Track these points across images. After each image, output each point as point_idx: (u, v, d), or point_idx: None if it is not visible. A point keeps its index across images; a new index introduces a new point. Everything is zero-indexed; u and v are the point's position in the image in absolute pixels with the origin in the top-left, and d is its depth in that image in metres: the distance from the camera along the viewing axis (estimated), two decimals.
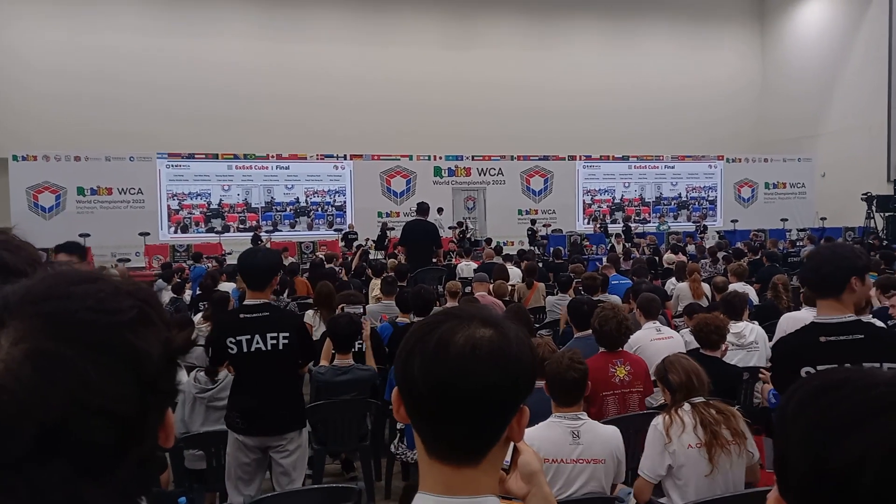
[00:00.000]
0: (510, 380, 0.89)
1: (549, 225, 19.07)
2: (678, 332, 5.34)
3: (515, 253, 12.60)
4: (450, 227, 17.41)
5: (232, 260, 13.80)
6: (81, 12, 18.85)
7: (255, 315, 3.47)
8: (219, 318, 3.95)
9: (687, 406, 2.82)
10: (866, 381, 0.76)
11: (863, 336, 2.34)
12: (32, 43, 18.35)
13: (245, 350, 3.46)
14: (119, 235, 15.83)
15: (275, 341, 3.45)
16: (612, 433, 2.89)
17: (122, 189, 17.25)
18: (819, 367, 2.21)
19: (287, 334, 3.48)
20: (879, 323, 3.77)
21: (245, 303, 3.57)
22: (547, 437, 2.77)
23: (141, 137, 18.27)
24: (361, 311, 6.04)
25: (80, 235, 14.63)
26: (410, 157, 19.52)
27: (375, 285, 7.83)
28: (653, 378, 3.48)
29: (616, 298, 6.90)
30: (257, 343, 3.45)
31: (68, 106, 18.32)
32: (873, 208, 17.78)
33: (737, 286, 6.99)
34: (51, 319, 0.58)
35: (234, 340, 3.47)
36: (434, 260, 10.02)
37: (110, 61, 18.85)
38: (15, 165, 16.49)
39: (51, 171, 16.74)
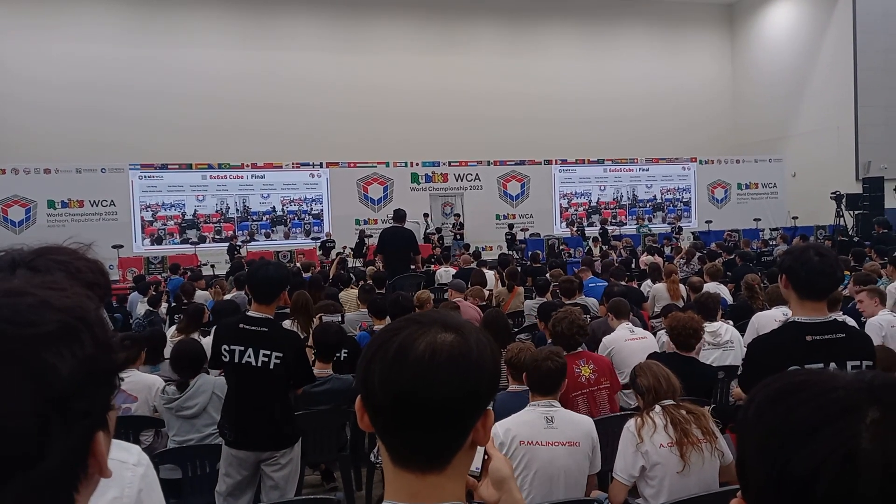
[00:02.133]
0: (471, 385, 0.87)
1: (527, 229, 19.17)
2: (655, 332, 5.40)
3: (497, 258, 12.59)
4: (437, 228, 17.55)
5: (207, 271, 13.67)
6: (52, 21, 18.55)
7: (253, 328, 3.41)
8: (220, 323, 3.89)
9: (658, 408, 2.89)
10: (825, 385, 0.73)
11: (844, 335, 2.38)
12: (1, 50, 18.01)
13: (236, 361, 3.42)
14: (92, 248, 15.55)
15: (266, 359, 3.39)
16: (586, 419, 3.01)
17: (94, 201, 16.97)
18: (807, 366, 2.24)
19: (281, 354, 3.40)
20: (851, 321, 3.85)
21: (248, 313, 3.51)
22: (522, 420, 2.87)
23: (113, 147, 18.02)
24: (340, 319, 6.00)
25: None
26: (387, 164, 19.50)
27: (349, 294, 7.80)
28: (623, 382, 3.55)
29: (593, 301, 6.95)
30: (248, 357, 3.40)
31: (38, 116, 18.01)
32: (843, 207, 18.14)
33: (711, 286, 7.09)
34: None
35: (227, 349, 3.43)
36: (412, 267, 10.00)
37: (82, 70, 18.59)
38: None
39: (20, 184, 16.42)
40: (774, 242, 15.55)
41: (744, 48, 24.84)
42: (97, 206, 16.99)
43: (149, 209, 17.85)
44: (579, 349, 3.96)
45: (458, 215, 18.63)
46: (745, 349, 2.67)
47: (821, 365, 2.25)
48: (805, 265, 2.35)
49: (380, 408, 0.88)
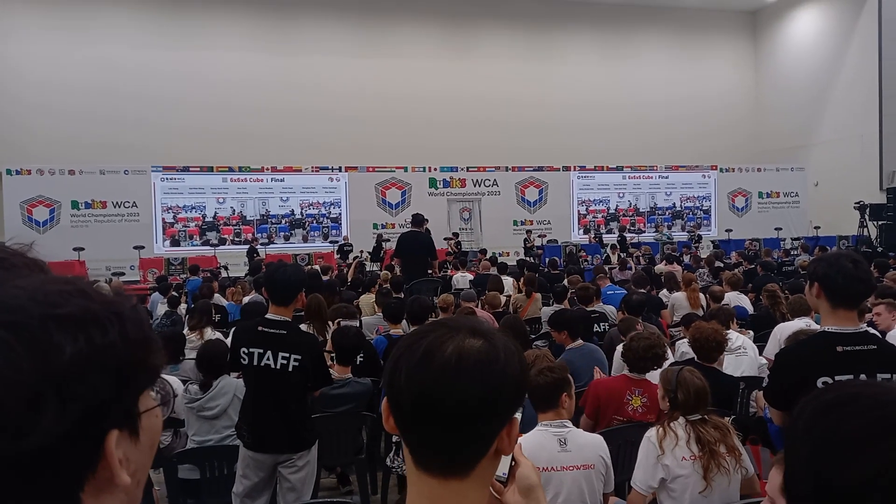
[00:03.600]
0: (496, 391, 0.87)
1: (545, 235, 19.12)
2: (674, 341, 5.36)
3: (515, 263, 12.56)
4: (445, 239, 17.44)
5: (224, 273, 13.79)
6: (76, 25, 18.89)
7: (272, 331, 3.43)
8: (239, 325, 3.91)
9: (682, 419, 2.83)
10: (878, 398, 0.73)
11: (875, 347, 2.32)
12: (27, 55, 18.37)
13: (255, 363, 3.43)
14: (113, 249, 15.77)
15: (285, 361, 3.41)
16: (597, 439, 2.92)
17: (117, 202, 17.20)
18: (837, 378, 2.20)
19: (299, 357, 3.42)
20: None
21: (266, 316, 3.52)
22: (536, 443, 2.78)
23: (136, 150, 18.28)
24: (357, 324, 6.01)
25: (75, 249, 14.65)
26: (405, 169, 19.55)
27: (367, 298, 7.82)
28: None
29: (611, 308, 6.91)
30: (268, 359, 3.42)
31: (63, 119, 18.31)
32: (866, 217, 17.87)
33: (731, 295, 7.02)
34: (1, 308, 0.59)
35: (246, 351, 3.45)
36: (429, 271, 10.01)
37: (105, 74, 18.88)
38: (9, 179, 16.45)
39: (45, 184, 16.69)
40: (796, 252, 15.37)
41: (767, 55, 24.62)
42: (120, 207, 17.22)
43: (170, 211, 18.05)
44: (645, 376, 3.76)
45: (457, 234, 18.20)
46: (773, 359, 2.62)
47: (850, 377, 2.20)
48: (841, 272, 2.29)
49: (404, 408, 0.88)
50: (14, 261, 1.14)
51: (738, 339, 4.81)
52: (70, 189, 16.79)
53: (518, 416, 0.92)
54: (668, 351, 4.67)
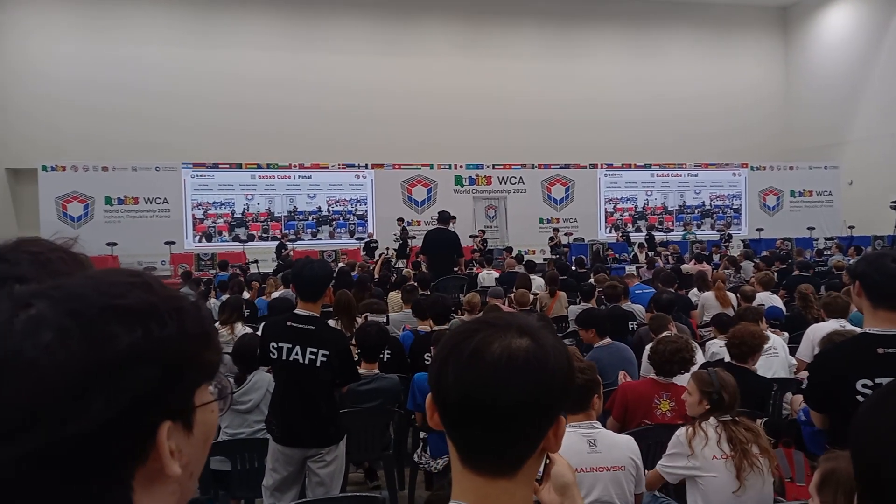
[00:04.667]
0: (546, 391, 0.87)
1: (571, 234, 18.99)
2: (704, 342, 5.29)
3: (542, 261, 12.49)
4: (470, 236, 17.44)
5: (253, 269, 13.95)
6: (108, 26, 19.22)
7: (301, 326, 3.47)
8: (268, 320, 3.97)
9: (712, 420, 2.81)
10: None
11: None
12: (61, 56, 18.75)
13: (284, 358, 3.47)
14: (145, 244, 16.08)
15: (313, 357, 3.44)
16: (628, 440, 2.90)
17: (149, 198, 17.52)
18: (877, 380, 2.17)
19: (327, 352, 3.45)
20: None
21: (295, 311, 3.57)
22: (566, 445, 2.75)
23: (166, 148, 18.57)
24: (385, 320, 6.05)
25: (108, 244, 14.96)
26: (431, 167, 19.59)
27: (394, 296, 7.85)
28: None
29: (640, 308, 6.84)
30: (296, 354, 3.45)
31: (96, 118, 18.66)
32: None
33: (763, 296, 6.90)
34: (60, 291, 0.61)
35: (276, 346, 3.49)
36: (455, 269, 10.02)
37: (136, 74, 19.18)
38: (44, 175, 16.85)
39: (79, 181, 17.07)
40: (829, 252, 15.05)
41: (798, 52, 24.11)
42: (151, 203, 17.55)
43: (200, 207, 18.34)
44: (672, 380, 3.70)
45: (483, 231, 18.22)
46: (812, 360, 2.58)
47: (890, 379, 2.16)
48: (881, 270, 2.25)
49: (452, 408, 0.88)
50: (50, 255, 1.16)
51: (771, 339, 4.73)
52: (103, 185, 17.15)
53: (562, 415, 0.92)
54: (696, 355, 4.62)
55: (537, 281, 9.10)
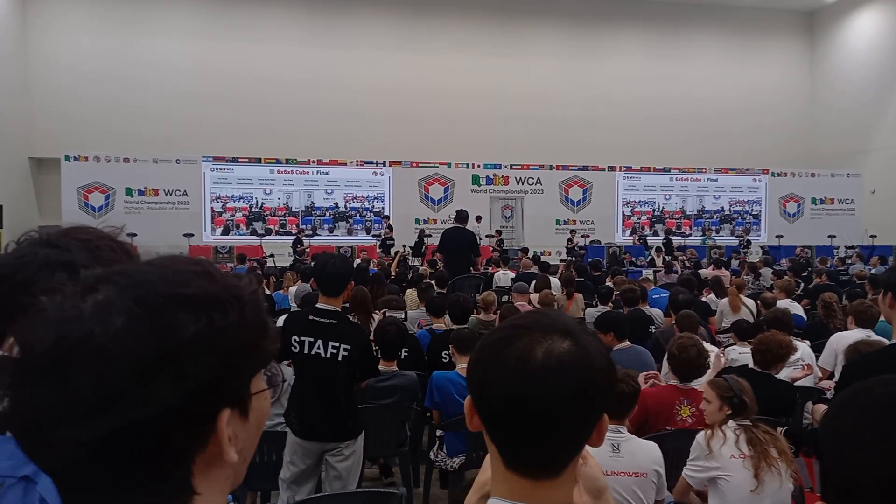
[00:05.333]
0: (591, 393, 0.87)
1: (588, 236, 18.90)
2: (724, 348, 5.23)
3: (559, 262, 12.42)
4: (487, 236, 17.43)
5: (270, 262, 14.03)
6: (131, 19, 19.36)
7: (323, 320, 3.48)
8: (290, 314, 4.00)
9: (731, 423, 2.83)
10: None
11: None
12: (84, 50, 18.95)
13: (306, 352, 3.49)
14: (165, 236, 16.19)
15: (335, 351, 3.46)
16: (652, 447, 2.89)
17: (169, 191, 17.69)
18: None
19: (348, 347, 3.46)
20: None
21: (317, 305, 3.59)
22: (587, 448, 2.75)
23: (187, 141, 18.72)
24: (403, 316, 6.05)
25: (128, 235, 15.08)
26: (449, 165, 19.58)
27: (411, 294, 7.85)
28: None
29: (658, 312, 6.80)
30: (318, 348, 3.47)
31: (118, 110, 18.83)
32: None
33: (784, 303, 6.83)
34: (125, 277, 0.62)
35: (297, 340, 3.50)
36: (472, 268, 10.00)
37: (159, 68, 19.31)
38: (67, 165, 17.07)
39: (101, 171, 17.27)
40: (850, 261, 14.86)
41: (824, 57, 23.79)
42: (171, 195, 17.71)
43: (219, 200, 18.48)
44: (692, 384, 3.67)
45: (500, 232, 18.29)
46: (841, 371, 2.54)
47: None
48: None
49: (497, 415, 0.88)
50: (99, 243, 1.18)
51: (799, 349, 4.67)
52: (124, 176, 17.35)
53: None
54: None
55: (553, 282, 9.07)
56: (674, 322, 5.22)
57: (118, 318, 0.59)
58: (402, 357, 4.98)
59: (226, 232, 18.43)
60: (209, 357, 0.62)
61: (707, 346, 4.79)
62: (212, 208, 18.40)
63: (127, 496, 0.61)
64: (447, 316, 5.79)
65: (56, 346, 0.58)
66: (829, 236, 18.85)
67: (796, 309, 6.93)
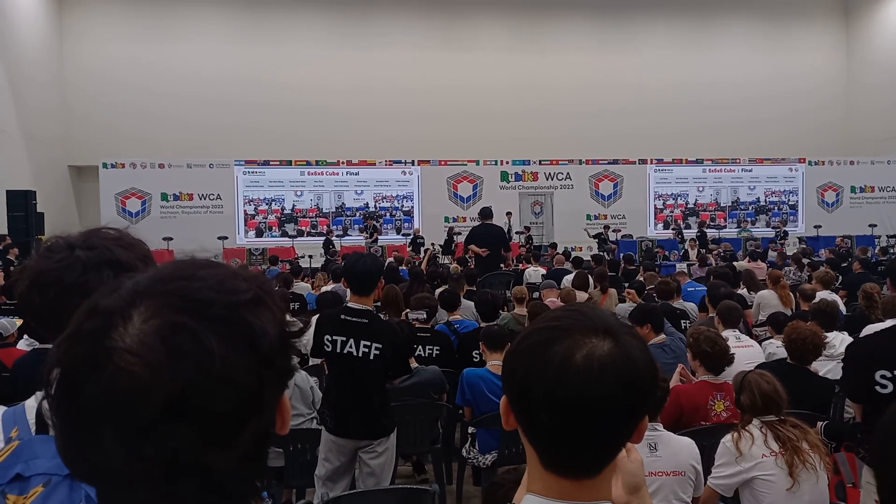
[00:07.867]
0: (637, 392, 0.86)
1: (619, 230, 18.68)
2: (760, 342, 5.14)
3: (590, 258, 12.26)
4: (517, 233, 17.37)
5: (304, 263, 14.19)
6: (164, 26, 19.73)
7: (354, 319, 3.52)
8: (322, 314, 4.08)
9: (756, 421, 2.78)
10: None
11: None
12: (120, 60, 19.36)
13: (338, 351, 3.53)
14: (199, 239, 16.49)
15: (367, 349, 3.49)
16: (689, 444, 2.85)
17: (203, 195, 18.05)
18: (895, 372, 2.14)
19: (380, 345, 3.49)
20: None
21: (348, 304, 3.64)
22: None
23: (220, 146, 19.03)
24: (424, 315, 6.05)
25: (164, 239, 15.45)
26: (477, 163, 19.55)
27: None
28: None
29: (692, 306, 6.70)
30: (350, 347, 3.51)
31: (153, 118, 19.20)
32: None
33: (822, 294, 6.67)
34: (177, 297, 0.62)
35: (330, 339, 3.55)
36: (502, 265, 9.97)
37: (192, 76, 19.63)
38: (105, 173, 17.53)
39: (137, 177, 17.71)
40: (894, 251, 14.41)
41: (861, 41, 23.07)
42: (205, 199, 18.07)
43: (251, 203, 18.77)
44: (722, 379, 3.62)
45: (528, 228, 18.23)
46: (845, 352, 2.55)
47: None
48: None
49: (541, 419, 0.87)
50: (129, 240, 1.24)
51: (843, 343, 4.54)
52: (160, 182, 17.76)
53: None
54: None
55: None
56: (713, 315, 5.12)
57: (214, 343, 0.60)
58: (434, 355, 5.00)
59: (259, 234, 18.71)
60: (288, 354, 0.67)
61: (745, 339, 4.71)
62: (245, 211, 18.70)
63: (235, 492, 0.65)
64: (474, 311, 5.82)
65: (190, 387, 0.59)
66: (870, 225, 18.30)
67: (836, 300, 6.75)
